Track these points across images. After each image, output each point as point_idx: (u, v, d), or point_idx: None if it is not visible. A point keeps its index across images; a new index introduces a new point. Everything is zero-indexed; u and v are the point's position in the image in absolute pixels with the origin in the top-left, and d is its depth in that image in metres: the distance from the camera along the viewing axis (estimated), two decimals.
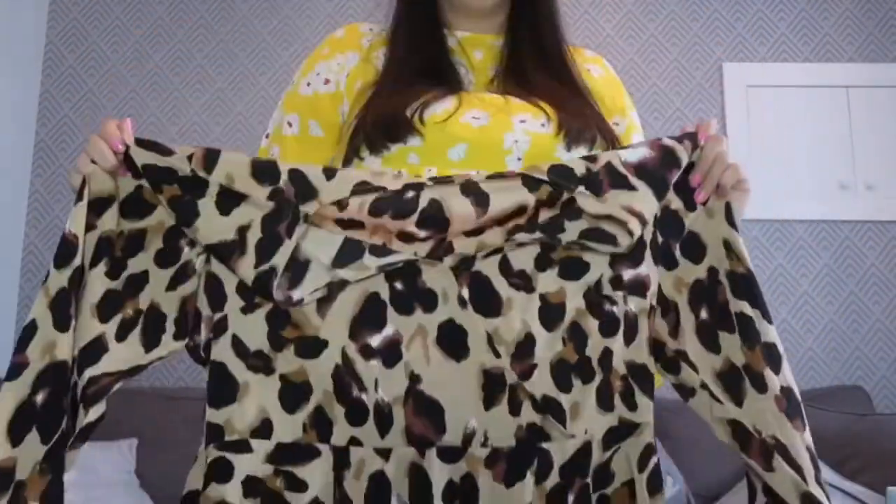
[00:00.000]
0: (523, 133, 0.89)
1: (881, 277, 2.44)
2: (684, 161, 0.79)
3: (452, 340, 0.75)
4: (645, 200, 0.77)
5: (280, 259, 0.74)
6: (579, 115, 0.92)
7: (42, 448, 0.70)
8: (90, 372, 0.72)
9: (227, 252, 0.75)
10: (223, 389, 0.75)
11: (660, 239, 0.79)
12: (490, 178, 0.77)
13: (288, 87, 1.04)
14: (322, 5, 2.64)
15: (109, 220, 0.77)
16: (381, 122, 0.90)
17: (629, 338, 0.77)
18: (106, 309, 0.75)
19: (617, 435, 0.76)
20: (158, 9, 2.65)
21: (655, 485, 0.74)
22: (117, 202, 0.77)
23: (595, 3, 2.63)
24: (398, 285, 0.76)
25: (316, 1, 2.65)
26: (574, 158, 0.79)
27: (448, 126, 0.88)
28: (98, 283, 0.75)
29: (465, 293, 0.76)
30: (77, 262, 0.74)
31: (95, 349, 0.73)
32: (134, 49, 2.63)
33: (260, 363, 0.75)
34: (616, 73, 1.09)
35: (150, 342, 0.75)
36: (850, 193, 2.47)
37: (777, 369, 0.74)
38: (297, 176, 0.76)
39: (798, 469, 0.70)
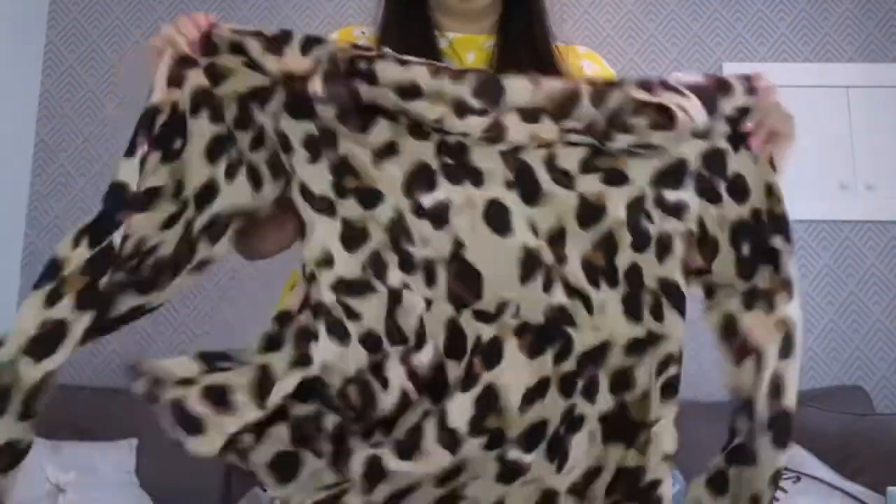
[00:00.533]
0: None
1: (881, 277, 2.44)
2: (738, 94, 0.82)
3: (498, 217, 0.80)
4: (694, 106, 0.80)
5: (360, 63, 0.80)
6: None
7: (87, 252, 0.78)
8: (212, 210, 0.81)
9: (304, 78, 0.80)
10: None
11: (705, 172, 0.83)
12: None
13: None
14: (322, 5, 2.65)
15: (196, 77, 0.83)
16: None
17: (661, 255, 0.81)
18: (216, 151, 0.82)
19: (643, 345, 0.79)
20: (158, 9, 2.65)
21: (669, 392, 0.79)
22: (201, 67, 0.83)
23: (595, 3, 2.63)
24: (447, 160, 0.81)
25: (316, 1, 2.65)
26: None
27: None
28: (204, 128, 0.82)
29: (511, 177, 0.80)
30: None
31: (210, 191, 0.82)
32: (134, 49, 2.63)
33: (324, 206, 0.82)
34: (612, 69, 1.10)
35: (256, 184, 0.83)
36: (850, 193, 2.47)
37: (788, 301, 0.79)
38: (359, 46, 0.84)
39: (759, 375, 0.78)
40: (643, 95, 0.80)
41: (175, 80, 0.83)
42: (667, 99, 0.80)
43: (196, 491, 2.00)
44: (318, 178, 0.82)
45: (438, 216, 0.80)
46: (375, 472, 0.75)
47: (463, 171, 0.80)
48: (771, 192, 0.83)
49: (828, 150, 2.48)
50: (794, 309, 0.80)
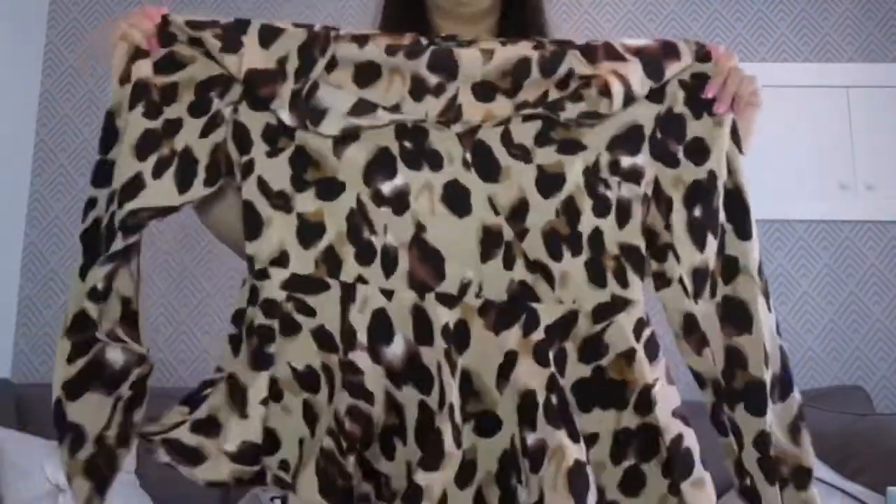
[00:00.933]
0: None
1: (881, 277, 2.44)
2: (685, 58, 0.84)
3: (456, 198, 0.81)
4: (633, 71, 0.82)
5: (316, 73, 0.83)
6: None
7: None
8: (130, 205, 0.81)
9: (268, 79, 0.83)
10: (252, 225, 0.83)
11: (659, 135, 0.84)
12: (500, 41, 0.86)
13: None
14: (323, 5, 2.64)
15: (145, 68, 0.85)
16: None
17: (622, 220, 0.82)
18: (144, 147, 0.83)
19: (609, 310, 0.80)
20: None
21: (652, 352, 0.80)
22: (151, 59, 0.86)
23: (595, 3, 2.63)
24: (407, 144, 0.82)
25: (317, 1, 2.65)
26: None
27: None
28: (137, 124, 0.83)
29: (469, 157, 0.82)
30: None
31: (135, 186, 0.82)
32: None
33: (281, 202, 0.82)
34: None
35: (183, 184, 0.83)
36: (850, 193, 2.47)
37: (728, 280, 0.82)
38: (327, 27, 0.88)
39: (717, 362, 0.82)
40: (584, 68, 0.82)
41: (128, 77, 0.85)
42: (605, 69, 0.82)
43: (196, 491, 2.00)
44: (277, 172, 0.83)
45: (398, 202, 0.81)
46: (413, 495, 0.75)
47: (422, 155, 0.82)
48: (729, 164, 0.83)
49: (828, 150, 2.48)
50: (735, 287, 0.82)
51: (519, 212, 0.81)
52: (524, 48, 0.84)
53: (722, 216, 0.82)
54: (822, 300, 2.42)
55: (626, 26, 2.61)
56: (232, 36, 0.84)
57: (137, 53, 0.86)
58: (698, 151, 0.83)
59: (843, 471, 1.92)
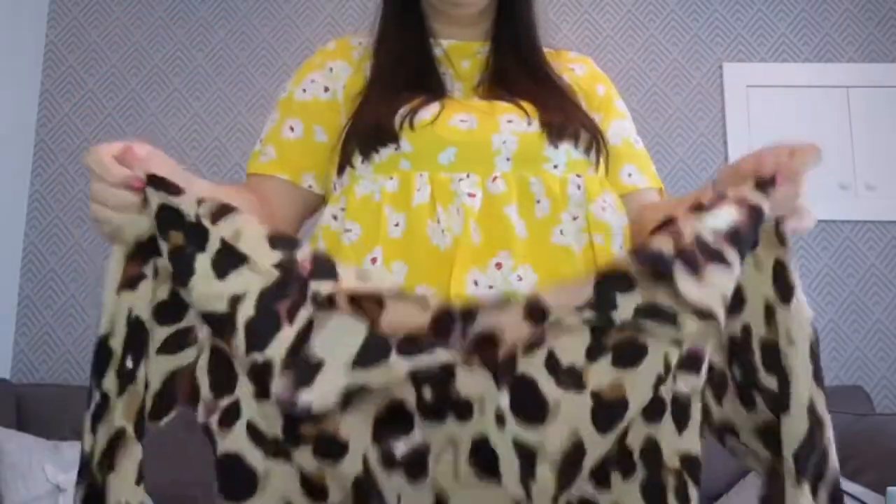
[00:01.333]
0: (510, 133, 0.91)
1: (881, 277, 2.44)
2: (768, 216, 0.72)
3: (485, 460, 0.66)
4: (733, 278, 0.68)
5: (275, 350, 0.64)
6: (559, 111, 0.94)
7: None
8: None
9: (219, 326, 0.66)
10: (241, 483, 0.67)
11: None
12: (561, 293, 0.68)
13: (281, 94, 1.03)
14: (323, 5, 2.65)
15: (144, 289, 0.68)
16: (371, 128, 0.91)
17: (681, 424, 0.68)
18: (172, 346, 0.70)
19: None
20: (158, 9, 2.65)
21: None
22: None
23: (595, 3, 2.63)
24: (427, 393, 0.65)
25: (316, 1, 2.65)
26: (656, 237, 0.69)
27: (436, 130, 0.89)
28: (159, 332, 0.69)
29: (505, 403, 0.65)
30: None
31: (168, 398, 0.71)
32: (134, 49, 2.63)
33: (279, 450, 0.67)
34: (609, 72, 1.11)
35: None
36: (850, 193, 2.47)
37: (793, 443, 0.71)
38: (320, 259, 0.67)
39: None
40: (692, 292, 0.65)
41: (129, 283, 0.67)
42: (713, 286, 0.66)
43: (196, 491, 2.00)
44: (269, 417, 0.66)
45: (414, 466, 0.65)
46: None
47: (446, 404, 0.65)
48: (770, 315, 0.70)
49: (828, 150, 2.46)
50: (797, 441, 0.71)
51: (572, 458, 0.65)
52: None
53: (769, 381, 0.70)
54: (822, 300, 2.42)
55: (626, 26, 2.61)
56: (186, 256, 0.66)
57: (136, 249, 0.68)
58: (733, 301, 0.69)
59: (843, 471, 1.91)
